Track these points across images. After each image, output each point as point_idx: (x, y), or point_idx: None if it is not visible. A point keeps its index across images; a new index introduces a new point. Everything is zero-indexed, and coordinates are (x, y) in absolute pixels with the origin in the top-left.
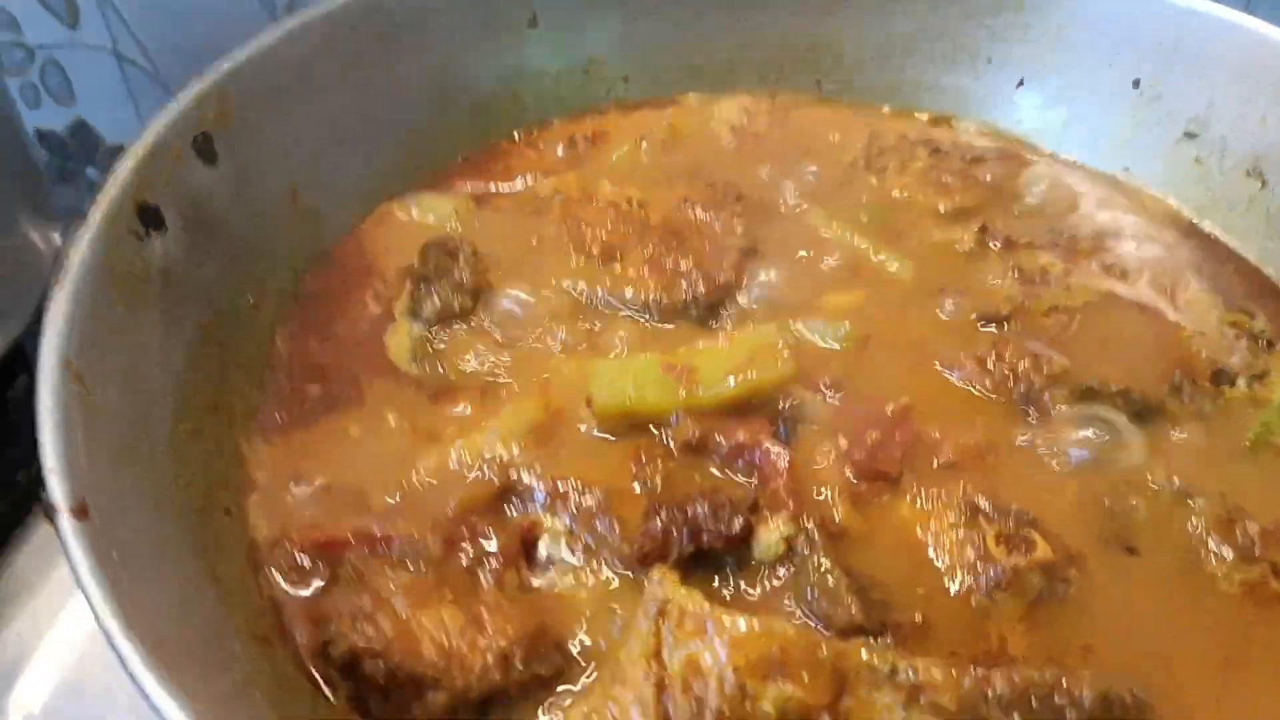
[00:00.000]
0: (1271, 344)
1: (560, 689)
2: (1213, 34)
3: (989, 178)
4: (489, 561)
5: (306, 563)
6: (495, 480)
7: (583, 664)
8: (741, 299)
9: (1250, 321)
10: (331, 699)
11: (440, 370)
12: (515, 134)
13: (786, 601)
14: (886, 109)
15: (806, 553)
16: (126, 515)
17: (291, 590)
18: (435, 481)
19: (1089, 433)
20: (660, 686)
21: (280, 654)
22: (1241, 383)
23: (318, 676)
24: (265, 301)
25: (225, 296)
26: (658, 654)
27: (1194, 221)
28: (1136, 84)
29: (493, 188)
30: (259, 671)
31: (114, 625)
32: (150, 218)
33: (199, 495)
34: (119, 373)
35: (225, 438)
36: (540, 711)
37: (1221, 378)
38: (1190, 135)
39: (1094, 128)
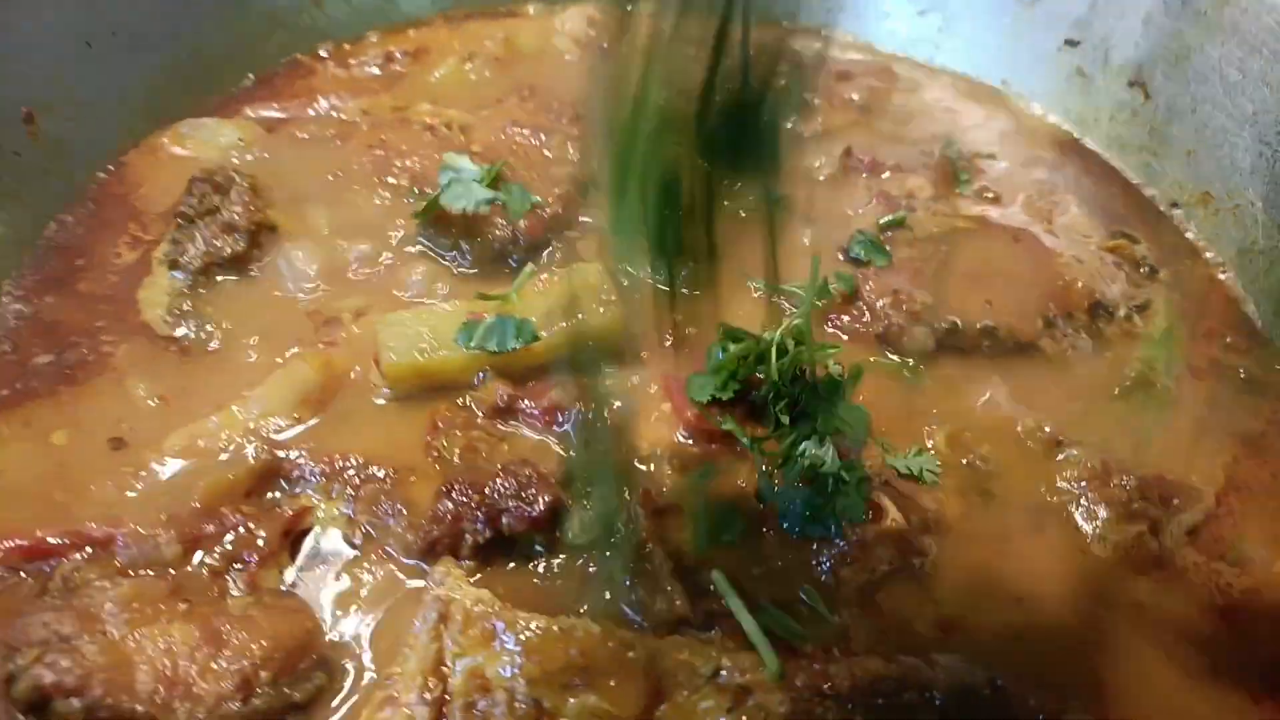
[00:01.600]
0: (1154, 270)
1: (319, 716)
2: None
3: (856, 96)
4: (242, 560)
5: (3, 574)
6: (255, 459)
7: (351, 683)
8: (571, 235)
9: (1132, 246)
10: None
11: (203, 330)
12: (322, 50)
13: (601, 594)
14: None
15: (626, 533)
16: None
17: None
18: (182, 464)
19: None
20: (439, 707)
21: None
22: (1121, 314)
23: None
24: None
25: None
26: (437, 668)
27: (1075, 138)
28: None
29: (289, 113)
30: None
31: None
32: None
33: None
34: None
35: None
36: None
37: (1099, 310)
38: (1071, 43)
39: (971, 37)
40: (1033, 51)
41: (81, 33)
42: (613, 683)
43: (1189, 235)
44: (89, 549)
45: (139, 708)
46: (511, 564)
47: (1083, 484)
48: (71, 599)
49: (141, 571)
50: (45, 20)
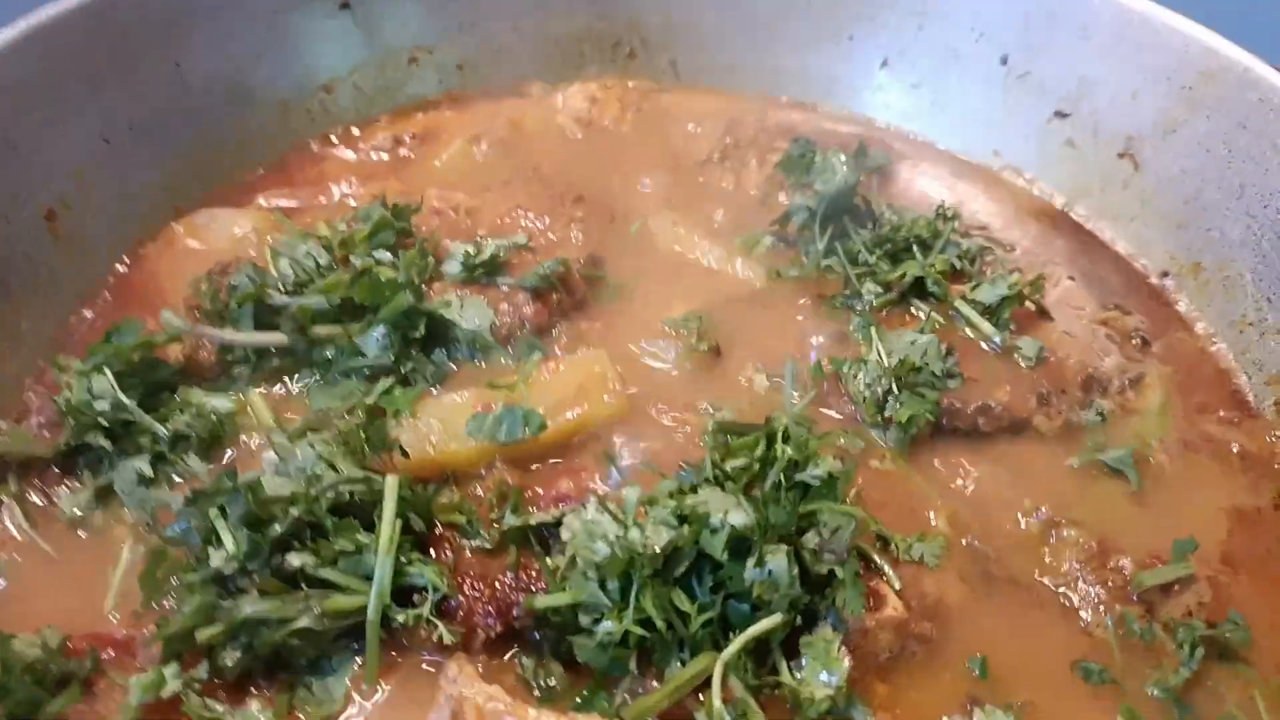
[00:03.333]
0: (1147, 342)
1: None
2: (1079, 4)
3: None
4: None
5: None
6: None
7: None
8: (577, 317)
9: (1124, 319)
10: None
11: None
12: (332, 135)
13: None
14: (745, 95)
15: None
16: None
17: None
18: None
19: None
20: None
21: None
22: (1114, 388)
23: None
24: (11, 348)
25: None
26: None
27: (1065, 210)
28: (1005, 60)
29: (301, 200)
30: None
31: None
32: None
33: None
34: None
35: None
36: None
37: (1093, 385)
38: (1061, 115)
39: (962, 109)
40: (1023, 123)
41: (99, 130)
42: None
43: (1180, 307)
44: (111, 651)
45: None
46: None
47: (1079, 565)
48: (95, 702)
49: None
50: (65, 120)
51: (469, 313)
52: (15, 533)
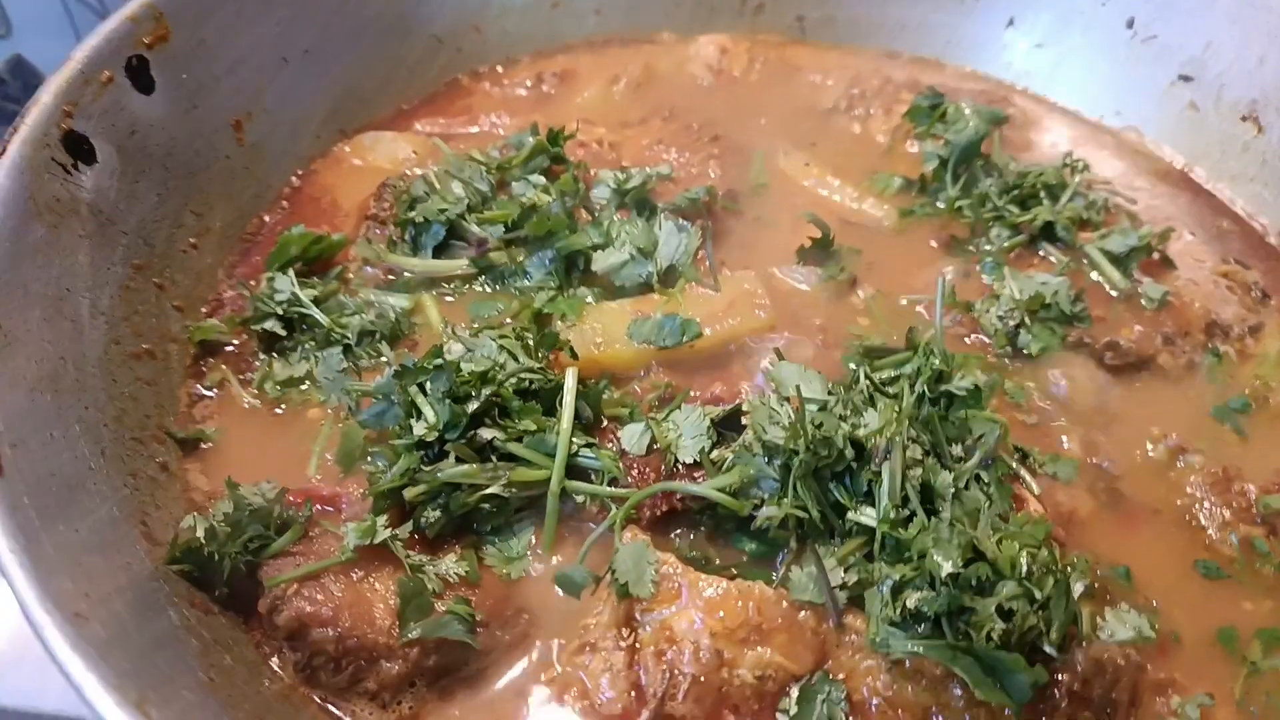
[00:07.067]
0: (1267, 296)
1: (523, 657)
2: None
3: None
4: None
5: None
6: None
7: (549, 630)
8: (719, 244)
9: (1244, 273)
10: (278, 669)
11: None
12: (479, 70)
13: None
14: (870, 50)
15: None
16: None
17: None
18: None
19: (1081, 383)
20: (632, 654)
21: (220, 622)
22: (1235, 334)
23: (263, 644)
24: (207, 242)
25: (162, 235)
26: (629, 620)
27: (1185, 171)
28: (1130, 23)
29: (453, 130)
30: (194, 643)
31: (31, 595)
32: (78, 149)
33: (132, 446)
34: (45, 299)
35: (163, 386)
36: (500, 680)
37: (1215, 330)
38: (1185, 78)
39: (1085, 70)
40: (1146, 86)
41: (280, 51)
42: (785, 639)
43: None
44: (319, 505)
45: (380, 639)
46: (685, 535)
47: (1205, 488)
48: (311, 545)
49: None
50: (253, 34)
51: (622, 235)
52: (235, 401)
